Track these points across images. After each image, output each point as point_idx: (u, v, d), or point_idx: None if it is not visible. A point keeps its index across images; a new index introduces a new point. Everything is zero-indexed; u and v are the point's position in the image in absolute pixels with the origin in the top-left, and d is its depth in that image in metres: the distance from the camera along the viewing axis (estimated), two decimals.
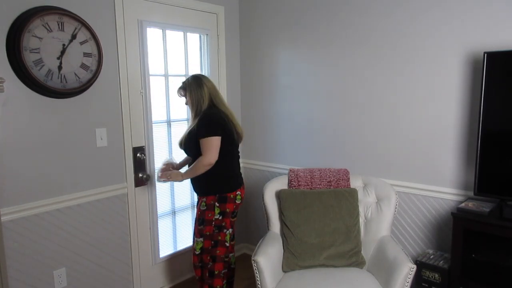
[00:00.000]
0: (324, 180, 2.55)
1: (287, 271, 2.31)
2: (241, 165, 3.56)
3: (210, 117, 2.37)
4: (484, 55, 2.07)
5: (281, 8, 3.10)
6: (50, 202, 2.32)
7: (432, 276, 2.31)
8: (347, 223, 2.36)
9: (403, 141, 2.59)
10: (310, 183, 2.56)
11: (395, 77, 2.58)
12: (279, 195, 2.49)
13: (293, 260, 2.32)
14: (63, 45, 2.26)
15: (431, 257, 2.41)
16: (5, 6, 2.07)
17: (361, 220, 2.47)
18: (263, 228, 2.85)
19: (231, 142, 2.43)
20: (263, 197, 2.56)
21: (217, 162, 2.35)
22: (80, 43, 2.33)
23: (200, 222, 2.46)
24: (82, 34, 2.33)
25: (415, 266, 2.02)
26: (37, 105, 2.23)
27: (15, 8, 2.10)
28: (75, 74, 2.32)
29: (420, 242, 2.60)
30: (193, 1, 3.02)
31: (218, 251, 2.45)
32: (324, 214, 2.38)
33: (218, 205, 2.41)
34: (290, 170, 2.64)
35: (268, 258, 2.16)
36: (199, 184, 2.49)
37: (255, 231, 3.57)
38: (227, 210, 2.43)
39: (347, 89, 2.82)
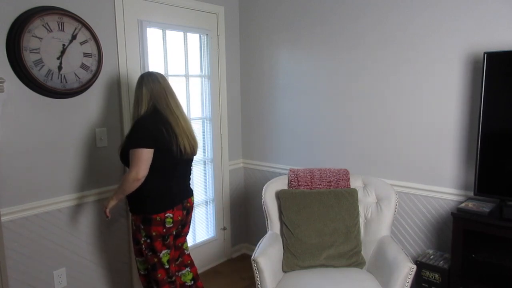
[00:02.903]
0: (324, 180, 2.55)
1: (287, 271, 2.31)
2: (241, 165, 3.58)
3: (141, 124, 2.05)
4: (484, 55, 2.07)
5: (281, 8, 3.10)
6: (50, 202, 2.33)
7: (432, 276, 2.31)
8: (347, 223, 2.36)
9: (403, 141, 2.59)
10: (310, 183, 2.56)
11: (395, 77, 2.58)
12: (279, 195, 2.49)
13: (293, 260, 2.32)
14: (63, 45, 2.26)
15: (431, 257, 2.41)
16: (5, 6, 2.07)
17: (361, 220, 2.47)
18: (263, 228, 2.84)
19: (165, 157, 2.08)
20: (263, 197, 2.56)
21: (145, 178, 2.03)
22: (80, 43, 2.33)
23: (136, 242, 2.22)
24: (82, 34, 2.33)
25: (415, 266, 2.01)
26: (37, 105, 2.23)
27: (15, 8, 2.10)
28: (75, 74, 2.32)
29: (420, 242, 2.60)
30: (193, 1, 3.02)
31: (159, 275, 2.16)
32: (324, 214, 2.38)
33: (142, 227, 2.11)
34: (290, 170, 2.64)
35: (268, 258, 2.17)
36: (128, 200, 2.17)
37: (255, 231, 3.57)
38: (154, 233, 2.10)
39: (347, 89, 2.82)
